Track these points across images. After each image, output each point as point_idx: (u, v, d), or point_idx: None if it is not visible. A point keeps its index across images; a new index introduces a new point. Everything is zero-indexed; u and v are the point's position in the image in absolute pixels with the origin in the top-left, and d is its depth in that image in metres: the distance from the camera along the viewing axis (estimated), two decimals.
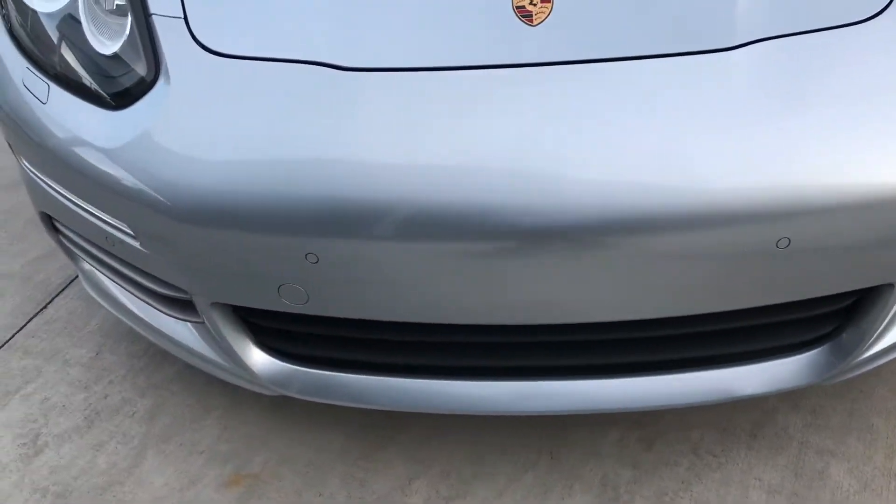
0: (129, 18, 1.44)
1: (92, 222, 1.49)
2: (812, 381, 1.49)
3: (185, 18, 1.40)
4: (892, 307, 1.41)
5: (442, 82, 1.26)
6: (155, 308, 1.62)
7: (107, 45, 1.45)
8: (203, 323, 1.54)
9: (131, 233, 1.44)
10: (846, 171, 1.19)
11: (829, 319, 1.48)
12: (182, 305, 1.56)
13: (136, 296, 1.64)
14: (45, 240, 2.29)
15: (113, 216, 1.44)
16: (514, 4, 1.30)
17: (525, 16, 1.29)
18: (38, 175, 1.56)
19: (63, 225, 1.65)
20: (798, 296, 1.35)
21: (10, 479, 1.74)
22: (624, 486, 1.65)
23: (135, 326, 1.74)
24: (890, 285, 1.37)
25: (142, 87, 1.39)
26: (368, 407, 1.53)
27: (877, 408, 1.77)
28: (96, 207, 1.45)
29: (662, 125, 1.19)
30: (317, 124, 1.27)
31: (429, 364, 1.51)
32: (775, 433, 1.73)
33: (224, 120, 1.32)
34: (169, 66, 1.37)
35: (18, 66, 1.50)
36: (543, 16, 1.28)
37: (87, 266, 1.76)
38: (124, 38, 1.44)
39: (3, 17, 1.55)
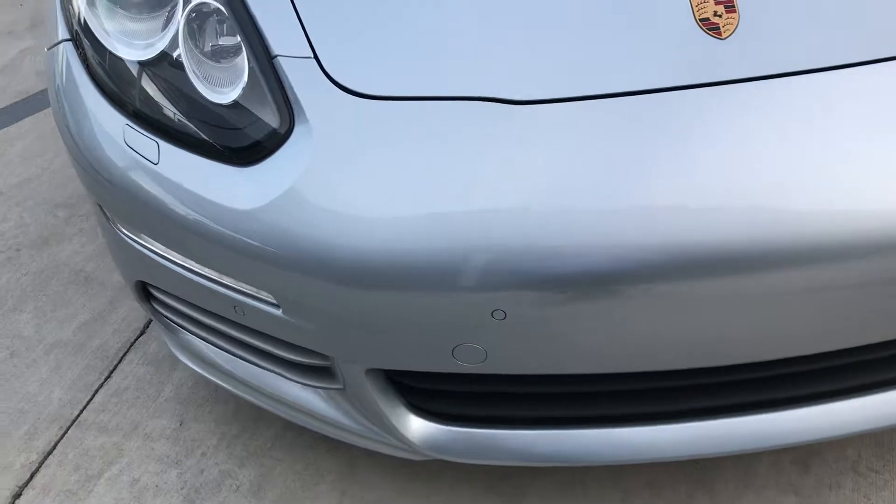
0: (246, 62, 1.29)
1: (217, 291, 1.34)
2: None
3: (316, 58, 1.26)
4: None
5: (634, 109, 1.14)
6: (281, 376, 1.46)
7: (221, 94, 1.30)
8: (343, 389, 1.40)
9: (273, 301, 1.29)
10: None
11: None
12: (317, 372, 1.42)
13: (257, 365, 1.49)
14: (91, 302, 2.12)
15: (250, 284, 1.28)
16: (697, 17, 1.18)
17: (712, 28, 1.17)
18: (143, 242, 1.40)
19: (168, 295, 1.48)
20: None
21: None
22: None
23: (245, 395, 1.59)
24: None
25: (275, 139, 1.24)
26: (534, 465, 1.40)
27: None
28: (227, 276, 1.30)
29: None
30: (500, 167, 1.14)
31: (599, 414, 1.38)
32: None
33: (384, 170, 1.18)
34: (307, 112, 1.22)
35: (115, 124, 1.33)
36: (732, 27, 1.17)
37: (185, 336, 1.59)
38: (242, 84, 1.28)
39: (89, 70, 1.38)
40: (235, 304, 1.34)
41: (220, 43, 1.34)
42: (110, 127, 1.34)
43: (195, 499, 1.70)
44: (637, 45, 1.19)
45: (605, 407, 1.38)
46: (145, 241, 1.40)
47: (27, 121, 2.83)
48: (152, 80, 1.34)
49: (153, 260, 1.40)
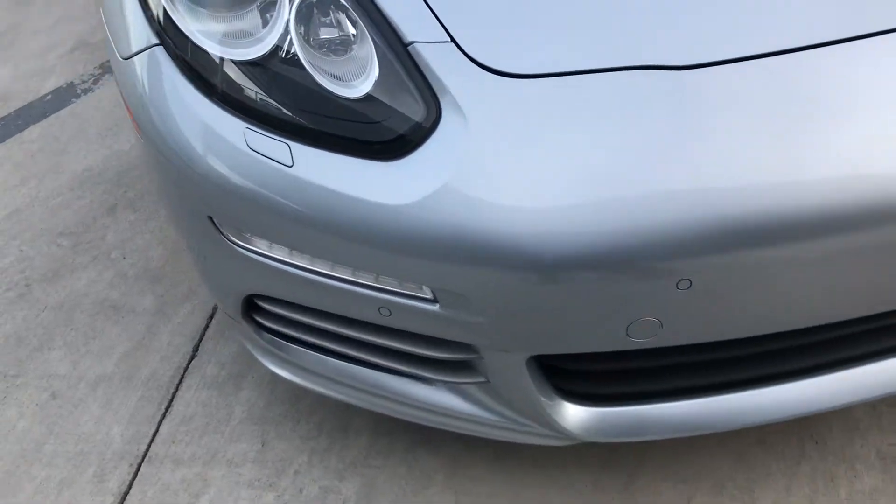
0: (372, 51, 1.23)
1: (361, 294, 1.28)
2: None
3: (454, 41, 1.22)
4: None
5: (807, 66, 1.14)
6: (412, 377, 1.41)
7: (350, 87, 1.23)
8: (486, 382, 1.36)
9: (429, 297, 1.24)
10: None
11: None
12: (457, 368, 1.38)
13: (383, 369, 1.43)
14: (127, 331, 2.00)
15: (407, 281, 1.23)
16: None
17: None
18: (265, 252, 1.32)
19: (286, 307, 1.41)
20: None
21: None
22: None
23: (361, 404, 1.53)
24: None
25: (421, 129, 1.19)
26: (684, 435, 1.40)
27: None
28: (382, 274, 1.24)
29: None
30: (676, 135, 1.13)
31: (741, 378, 1.40)
32: None
33: (552, 151, 1.14)
34: (458, 98, 1.18)
35: (233, 129, 1.25)
36: None
37: (293, 351, 1.51)
38: (373, 75, 1.23)
39: (190, 75, 1.29)
40: (382, 306, 1.28)
41: (335, 34, 1.27)
42: (228, 133, 1.25)
43: None
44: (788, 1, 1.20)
45: (746, 370, 1.39)
46: (269, 251, 1.32)
47: None
48: (268, 80, 1.26)
49: (277, 270, 1.33)
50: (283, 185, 1.22)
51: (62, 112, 2.76)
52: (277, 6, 1.28)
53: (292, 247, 1.29)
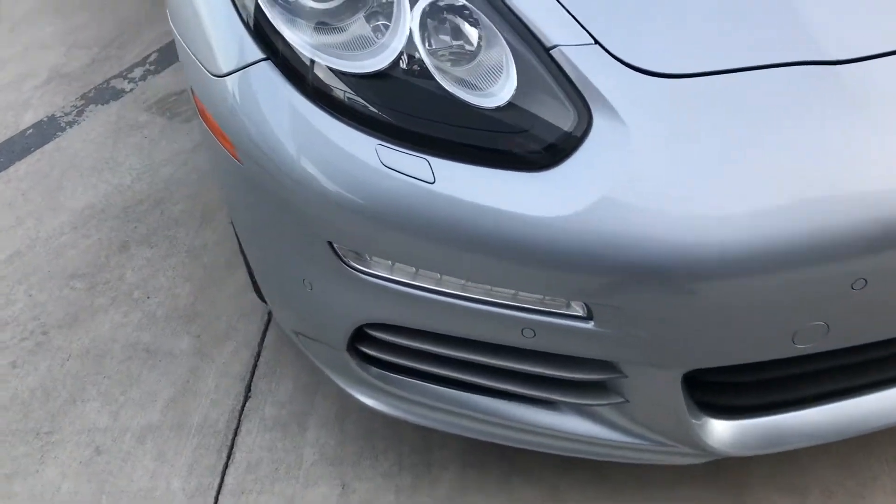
0: (508, 57, 1.16)
1: (503, 315, 1.19)
2: None
3: (599, 43, 1.16)
4: None
5: None
6: (538, 400, 1.33)
7: (486, 96, 1.16)
8: (625, 402, 1.29)
9: (581, 314, 1.16)
10: None
11: None
12: (590, 389, 1.30)
13: (505, 395, 1.34)
14: (167, 376, 1.87)
15: (560, 297, 1.15)
16: None
17: None
18: (391, 277, 1.23)
19: (405, 336, 1.31)
20: None
21: None
22: None
23: (478, 436, 1.44)
24: None
25: (572, 136, 1.13)
26: (823, 442, 1.36)
27: None
28: (530, 292, 1.16)
29: None
30: (846, 131, 1.09)
31: (874, 380, 1.36)
32: None
33: (719, 153, 1.09)
34: (612, 101, 1.12)
35: (363, 146, 1.16)
36: None
37: (402, 384, 1.41)
38: (511, 82, 1.15)
39: (315, 92, 1.19)
40: (526, 327, 1.20)
41: (461, 40, 1.19)
42: (357, 150, 1.16)
43: None
44: None
45: (881, 371, 1.36)
46: (393, 275, 1.23)
47: None
48: (396, 92, 1.18)
49: (403, 294, 1.23)
50: (424, 203, 1.13)
51: (47, 147, 2.58)
52: (397, 13, 1.19)
53: (427, 268, 1.20)
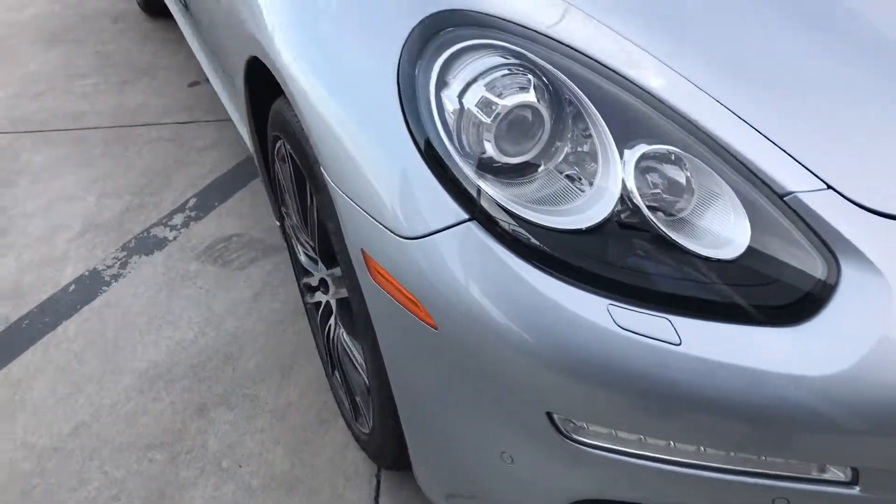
0: (737, 206, 1.10)
1: (750, 485, 1.10)
2: None
3: (832, 188, 1.11)
4: None
5: None
6: None
7: (719, 247, 1.09)
8: None
9: (845, 479, 1.07)
10: None
11: None
12: None
13: None
14: None
15: (823, 461, 1.06)
16: None
17: None
18: (617, 448, 1.12)
19: None
20: None
21: None
22: None
23: None
24: None
25: (823, 287, 1.06)
26: None
27: None
28: (787, 457, 1.07)
29: None
30: None
31: None
32: None
33: None
34: (864, 249, 1.06)
35: (594, 307, 1.07)
36: None
37: None
38: (743, 231, 1.09)
39: (531, 252, 1.11)
40: (779, 496, 1.10)
41: (679, 190, 1.13)
42: (586, 312, 1.07)
43: None
44: None
45: None
46: (617, 444, 1.12)
47: (28, 354, 2.26)
48: (619, 247, 1.10)
49: (632, 465, 1.12)
50: (668, 366, 1.04)
51: (95, 303, 2.43)
52: (605, 163, 1.13)
53: (659, 436, 1.10)
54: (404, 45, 1.23)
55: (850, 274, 1.06)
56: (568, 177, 1.16)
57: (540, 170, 1.16)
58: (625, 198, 1.11)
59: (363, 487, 1.82)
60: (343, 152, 1.29)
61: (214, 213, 2.78)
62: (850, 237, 1.07)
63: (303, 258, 1.93)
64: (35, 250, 2.68)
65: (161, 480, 1.88)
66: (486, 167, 1.16)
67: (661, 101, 1.18)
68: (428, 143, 1.17)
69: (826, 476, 1.08)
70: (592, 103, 1.16)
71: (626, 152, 1.13)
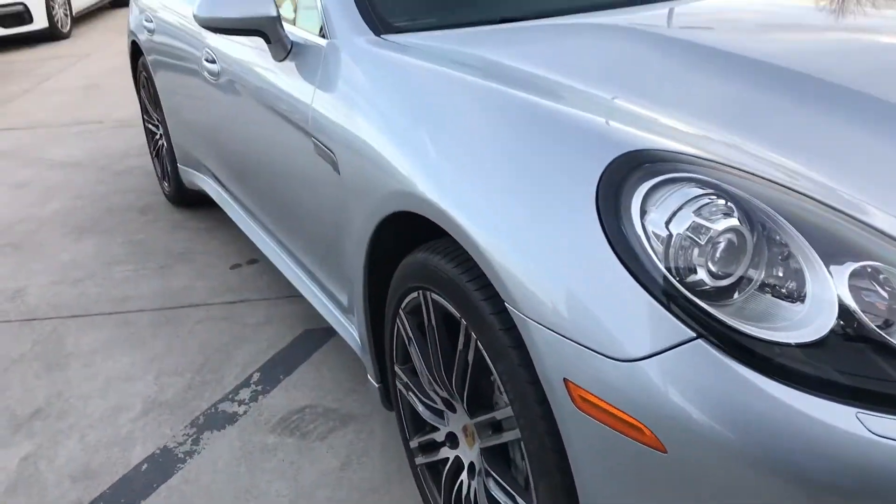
0: None
1: None
2: None
3: None
4: None
5: None
6: None
7: None
8: None
9: None
10: None
11: None
12: None
13: None
14: None
15: None
16: None
17: None
18: None
19: None
20: None
21: None
22: None
23: None
24: None
25: None
26: None
27: None
28: None
29: None
30: None
31: None
32: None
33: None
34: None
35: (841, 417, 1.09)
36: None
37: None
38: None
39: (760, 365, 1.14)
40: None
41: (882, 301, 1.19)
42: (836, 422, 1.09)
43: None
44: None
45: None
46: None
47: None
48: (852, 355, 1.14)
49: None
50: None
51: (172, 481, 2.33)
52: (814, 281, 1.19)
53: None
54: (600, 180, 1.30)
55: None
56: (773, 294, 1.20)
57: (746, 290, 1.21)
58: (842, 310, 1.16)
59: None
60: (538, 284, 1.32)
61: (281, 386, 2.74)
62: None
63: (425, 413, 1.90)
64: (99, 431, 2.59)
65: None
66: (696, 291, 1.20)
67: (853, 217, 1.25)
68: (641, 266, 1.22)
69: None
70: (792, 225, 1.22)
71: (834, 267, 1.19)
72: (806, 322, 1.17)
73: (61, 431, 2.61)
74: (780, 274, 1.21)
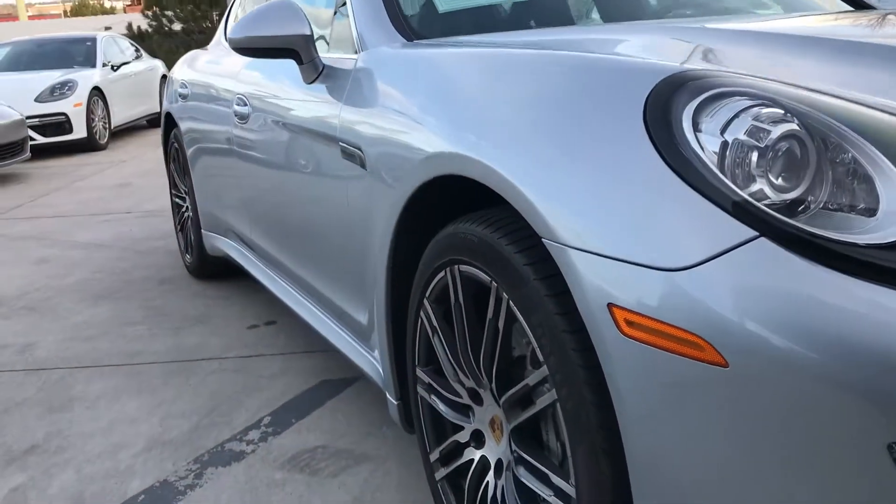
0: None
1: None
2: None
3: None
4: None
5: None
6: None
7: None
8: None
9: None
10: None
11: None
12: None
13: None
14: None
15: None
16: None
17: None
18: None
19: None
20: None
21: None
22: None
23: None
24: None
25: None
26: None
27: None
28: None
29: None
30: None
31: None
32: None
33: None
34: None
35: None
36: None
37: None
38: None
39: (839, 258, 1.01)
40: None
41: None
42: None
43: None
44: None
45: None
46: None
47: None
48: None
49: None
50: None
51: None
52: (887, 189, 1.08)
53: None
54: (646, 102, 1.22)
55: None
56: (842, 211, 1.09)
57: (812, 208, 1.09)
58: None
59: None
60: (578, 209, 1.22)
61: (293, 428, 2.58)
62: None
63: (449, 413, 1.75)
64: (96, 465, 2.43)
65: None
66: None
67: None
68: (695, 171, 1.12)
69: None
70: (858, 133, 1.12)
71: None
72: (879, 228, 1.05)
73: (56, 465, 2.45)
74: (849, 185, 1.10)
